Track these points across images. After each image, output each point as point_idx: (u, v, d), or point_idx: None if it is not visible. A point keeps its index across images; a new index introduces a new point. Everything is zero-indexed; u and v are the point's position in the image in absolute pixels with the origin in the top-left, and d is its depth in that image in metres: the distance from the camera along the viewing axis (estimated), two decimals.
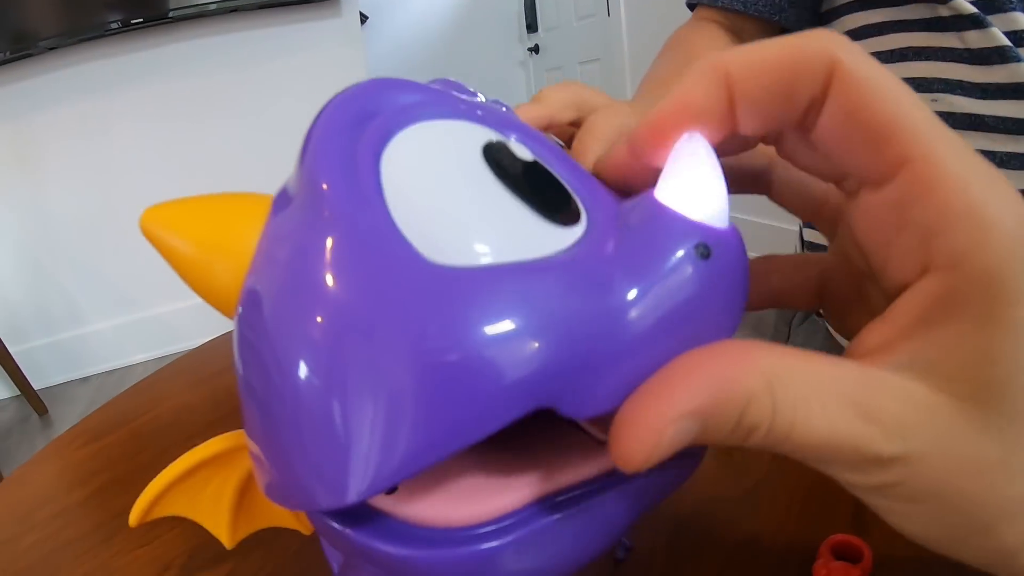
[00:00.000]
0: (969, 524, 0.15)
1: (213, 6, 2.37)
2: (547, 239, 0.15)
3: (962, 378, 0.14)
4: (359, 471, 0.14)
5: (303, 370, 0.14)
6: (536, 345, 0.13)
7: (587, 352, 0.14)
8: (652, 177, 0.17)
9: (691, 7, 0.69)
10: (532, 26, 4.50)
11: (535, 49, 4.54)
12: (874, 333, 0.16)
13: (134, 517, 0.23)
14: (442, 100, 0.18)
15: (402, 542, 0.16)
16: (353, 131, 0.16)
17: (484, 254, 0.14)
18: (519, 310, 0.13)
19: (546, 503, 0.17)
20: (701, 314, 0.15)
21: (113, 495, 0.46)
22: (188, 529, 0.38)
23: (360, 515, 0.17)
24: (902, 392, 0.14)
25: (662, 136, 0.17)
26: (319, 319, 0.14)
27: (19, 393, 2.33)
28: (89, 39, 2.34)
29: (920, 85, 0.50)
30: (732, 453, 0.36)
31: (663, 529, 0.33)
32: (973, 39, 0.47)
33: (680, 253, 0.15)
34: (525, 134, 0.18)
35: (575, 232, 0.16)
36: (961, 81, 0.48)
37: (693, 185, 0.15)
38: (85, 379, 2.57)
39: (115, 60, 2.43)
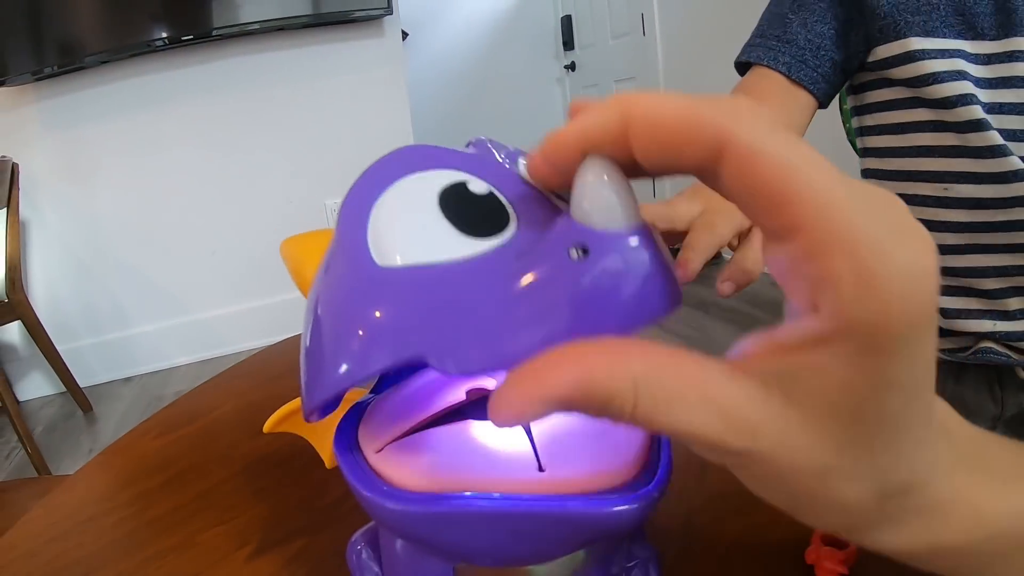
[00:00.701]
0: (807, 508, 0.19)
1: (256, 25, 2.45)
2: (463, 248, 0.21)
3: (819, 400, 0.17)
4: (327, 381, 0.21)
5: (312, 317, 0.23)
6: (416, 314, 0.20)
7: (461, 324, 0.19)
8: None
9: (740, 68, 0.74)
10: (568, 44, 4.55)
11: (571, 66, 4.58)
12: (757, 343, 0.18)
13: (268, 427, 0.33)
14: (433, 155, 0.24)
15: (374, 492, 0.23)
16: (365, 190, 0.23)
17: (406, 258, 0.21)
18: (413, 293, 0.20)
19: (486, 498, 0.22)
20: (575, 306, 0.19)
21: (190, 480, 0.50)
22: (264, 510, 0.43)
23: (364, 477, 0.24)
24: (761, 400, 0.17)
25: (562, 154, 0.20)
26: (322, 290, 0.23)
27: (65, 390, 2.41)
28: (136, 55, 2.44)
29: (934, 176, 0.62)
30: None
31: (675, 524, 0.38)
32: (974, 139, 0.58)
33: (560, 251, 0.19)
34: (495, 173, 0.24)
35: (493, 242, 0.21)
36: (965, 172, 0.60)
37: (590, 196, 0.19)
38: (129, 379, 2.65)
39: (163, 75, 2.52)
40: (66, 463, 2.08)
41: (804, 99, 0.66)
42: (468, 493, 0.22)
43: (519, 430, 0.25)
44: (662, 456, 0.25)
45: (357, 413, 0.28)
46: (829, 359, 0.16)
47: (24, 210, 2.34)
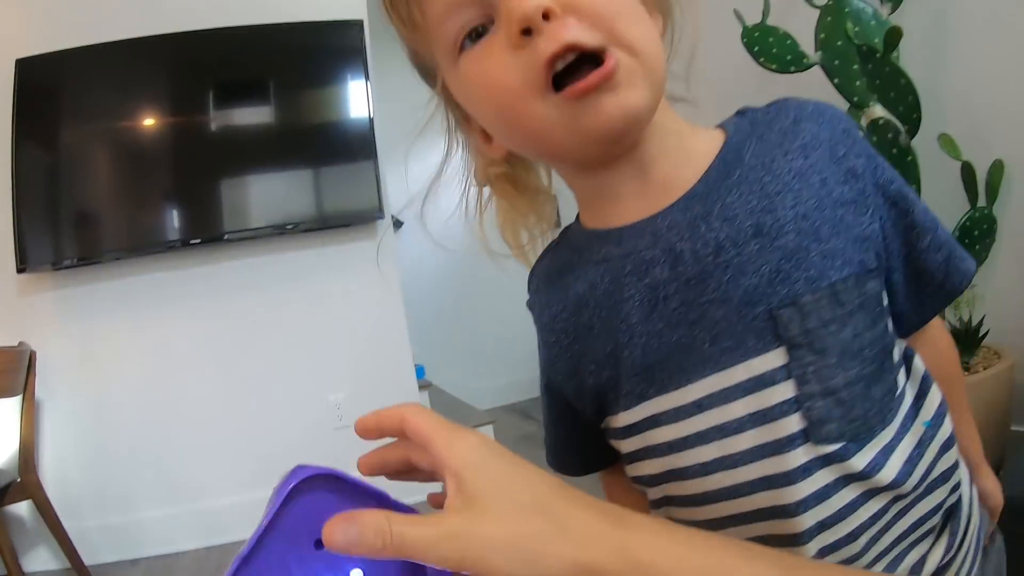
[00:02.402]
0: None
1: (267, 229, 2.70)
2: None
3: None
4: None
5: None
6: None
7: None
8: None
9: None
10: (559, 223, 4.80)
11: None
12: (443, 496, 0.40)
13: None
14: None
15: None
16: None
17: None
18: None
19: None
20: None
21: None
22: None
23: None
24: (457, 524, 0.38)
25: (370, 431, 0.46)
26: None
27: (70, 566, 2.43)
28: (150, 253, 2.65)
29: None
30: None
31: None
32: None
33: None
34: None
35: None
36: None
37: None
38: (135, 561, 2.66)
39: (174, 273, 2.73)
40: None
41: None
42: None
43: None
44: None
45: None
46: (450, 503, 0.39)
47: (39, 391, 2.44)
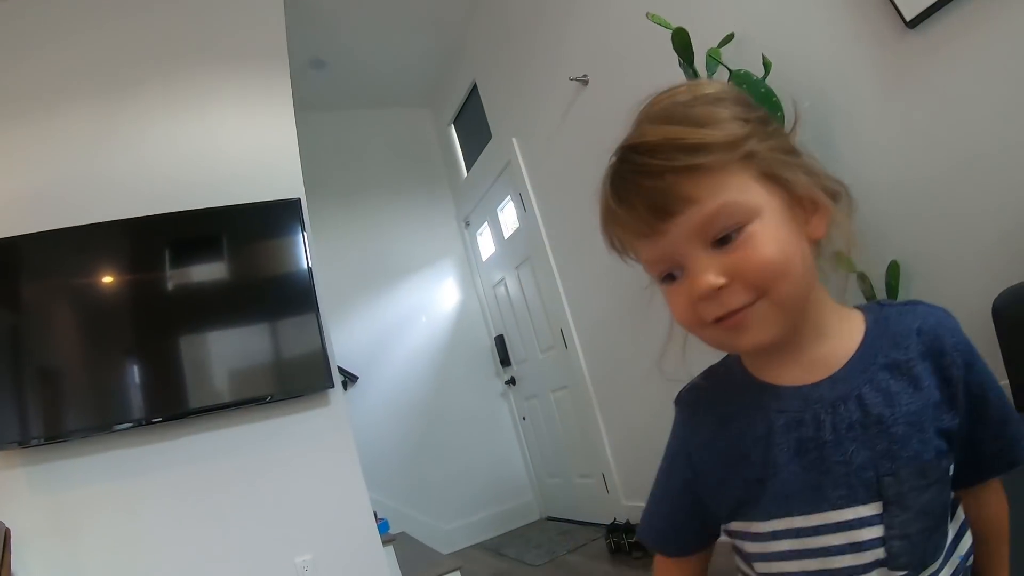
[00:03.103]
0: None
1: (228, 405, 2.84)
2: None
3: None
4: None
5: None
6: None
7: None
8: None
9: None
10: (505, 360, 5.03)
11: (512, 381, 5.03)
12: None
13: None
14: None
15: None
16: None
17: None
18: None
19: None
20: None
21: None
22: None
23: None
24: None
25: None
26: None
27: None
28: (116, 431, 2.73)
29: None
30: None
31: None
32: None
33: None
34: None
35: None
36: None
37: None
38: None
39: (140, 449, 2.79)
40: None
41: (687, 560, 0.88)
42: None
43: None
44: None
45: None
46: None
47: (13, 566, 2.42)
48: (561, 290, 3.97)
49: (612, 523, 3.54)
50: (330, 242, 4.74)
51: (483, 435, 5.03)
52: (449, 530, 4.70)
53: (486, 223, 5.06)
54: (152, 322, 2.85)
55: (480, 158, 4.87)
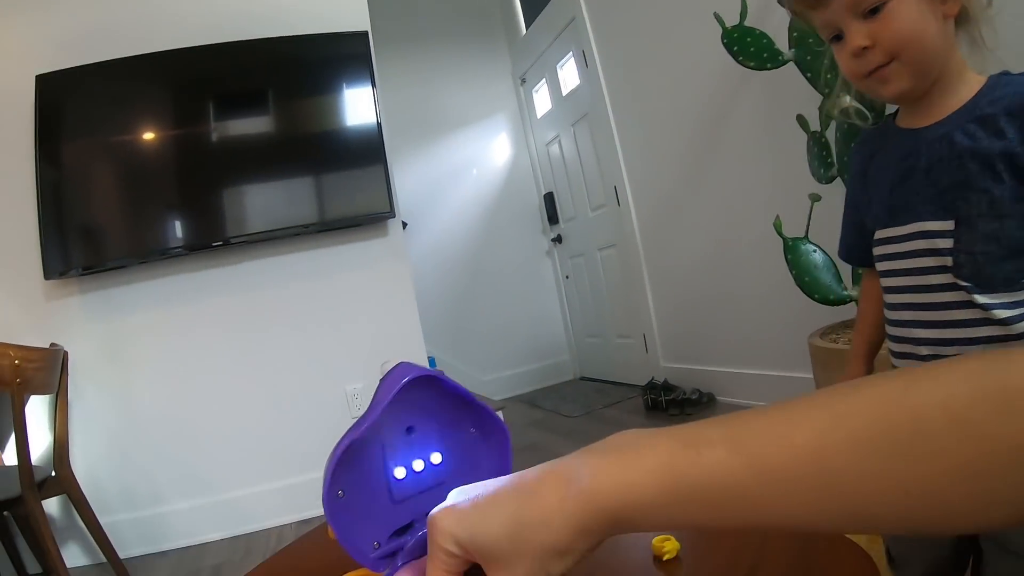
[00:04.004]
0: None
1: (265, 234, 2.83)
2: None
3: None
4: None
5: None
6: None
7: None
8: None
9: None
10: (553, 218, 4.98)
11: (558, 239, 4.99)
12: None
13: None
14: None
15: None
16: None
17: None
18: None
19: None
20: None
21: None
22: None
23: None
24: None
25: None
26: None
27: (103, 561, 2.54)
28: (172, 256, 2.78)
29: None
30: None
31: None
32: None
33: None
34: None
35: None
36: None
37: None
38: (164, 553, 2.77)
39: (185, 276, 2.86)
40: None
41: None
42: None
43: None
44: None
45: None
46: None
47: (69, 390, 2.56)
48: (619, 147, 3.84)
49: (650, 382, 3.57)
50: (383, 89, 4.64)
51: (525, 292, 5.06)
52: (486, 381, 4.81)
53: (543, 80, 4.91)
54: (216, 157, 2.84)
55: (542, 14, 4.65)
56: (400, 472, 0.51)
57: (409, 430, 0.52)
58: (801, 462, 0.33)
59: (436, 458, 0.53)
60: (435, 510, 0.42)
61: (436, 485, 0.53)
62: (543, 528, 0.38)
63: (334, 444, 0.49)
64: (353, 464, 0.48)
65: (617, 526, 0.38)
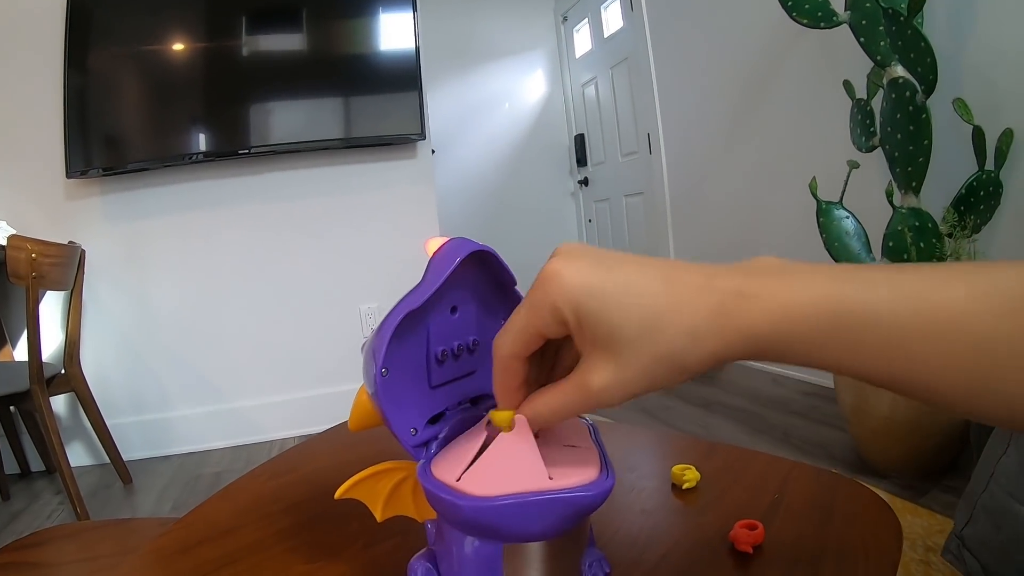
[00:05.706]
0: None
1: (288, 146, 2.79)
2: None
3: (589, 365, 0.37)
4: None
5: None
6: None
7: None
8: None
9: None
10: (582, 160, 4.90)
11: (584, 182, 4.92)
12: (570, 364, 0.40)
13: (339, 494, 0.47)
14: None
15: (455, 498, 0.38)
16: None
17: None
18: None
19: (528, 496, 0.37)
20: None
21: (301, 508, 0.69)
22: (365, 523, 0.60)
23: (453, 493, 0.38)
24: (590, 372, 0.36)
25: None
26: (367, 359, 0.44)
27: (105, 462, 2.58)
28: (196, 161, 2.75)
29: None
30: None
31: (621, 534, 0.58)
32: None
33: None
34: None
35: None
36: None
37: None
38: (167, 457, 2.81)
39: (207, 183, 2.83)
40: None
41: None
42: (515, 493, 0.37)
43: (535, 455, 0.39)
44: (608, 468, 0.40)
45: (426, 467, 0.42)
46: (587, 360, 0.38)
47: (84, 291, 2.56)
48: (656, 95, 3.75)
49: None
50: (423, 15, 4.54)
51: (546, 231, 5.01)
52: None
53: (586, 20, 4.77)
54: (251, 68, 2.79)
55: None
56: (441, 355, 0.47)
57: (453, 310, 0.48)
58: (962, 320, 0.31)
59: (473, 344, 0.49)
60: (557, 262, 0.38)
61: (467, 373, 0.49)
62: (688, 338, 0.34)
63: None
64: (401, 339, 0.43)
65: (759, 353, 0.34)
